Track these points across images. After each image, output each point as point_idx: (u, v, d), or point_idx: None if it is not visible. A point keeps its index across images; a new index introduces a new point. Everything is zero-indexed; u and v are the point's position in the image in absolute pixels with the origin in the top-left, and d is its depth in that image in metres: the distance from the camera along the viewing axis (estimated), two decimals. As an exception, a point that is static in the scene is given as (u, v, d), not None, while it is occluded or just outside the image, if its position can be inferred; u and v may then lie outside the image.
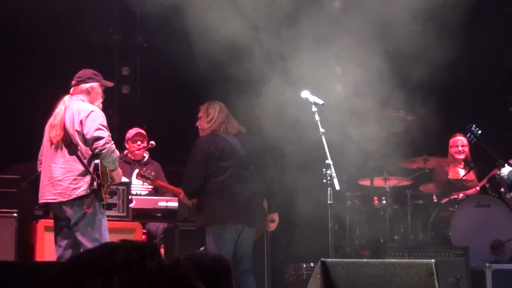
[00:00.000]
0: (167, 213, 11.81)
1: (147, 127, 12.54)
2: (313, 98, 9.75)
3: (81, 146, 9.08)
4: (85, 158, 9.10)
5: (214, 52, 10.95)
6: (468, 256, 11.49)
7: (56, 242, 9.39)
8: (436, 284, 7.25)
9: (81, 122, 9.03)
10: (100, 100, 9.47)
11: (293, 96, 10.20)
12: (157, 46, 12.74)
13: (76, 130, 9.07)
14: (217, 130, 10.07)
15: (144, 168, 11.86)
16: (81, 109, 9.11)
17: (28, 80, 12.41)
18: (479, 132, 11.16)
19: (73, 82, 9.45)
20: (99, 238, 9.10)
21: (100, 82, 9.50)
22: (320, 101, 9.76)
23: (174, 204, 11.71)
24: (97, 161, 9.02)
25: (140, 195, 11.88)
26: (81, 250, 9.10)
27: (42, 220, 10.72)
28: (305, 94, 9.82)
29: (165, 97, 13.60)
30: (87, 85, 9.41)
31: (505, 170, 11.00)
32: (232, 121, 10.19)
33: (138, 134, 11.89)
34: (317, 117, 9.63)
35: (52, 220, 10.02)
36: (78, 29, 13.11)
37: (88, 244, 9.02)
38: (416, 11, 11.30)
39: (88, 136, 8.99)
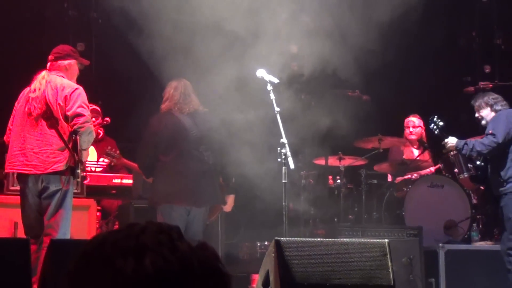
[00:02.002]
0: (122, 190, 11.78)
1: (102, 103, 12.50)
2: (268, 77, 9.76)
3: (62, 121, 9.15)
4: (64, 134, 9.15)
5: (171, 30, 10.96)
6: (422, 236, 11.54)
7: (23, 213, 9.36)
8: (389, 263, 7.29)
9: (65, 97, 9.12)
10: (75, 77, 9.52)
11: (250, 75, 10.23)
12: (113, 22, 12.72)
13: (59, 104, 9.14)
14: (171, 109, 10.17)
15: (109, 147, 11.86)
16: (65, 85, 9.21)
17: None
18: (441, 123, 11.21)
19: (50, 57, 9.50)
20: (63, 218, 9.14)
21: (77, 60, 9.60)
22: (276, 80, 9.77)
23: (128, 181, 11.71)
24: (76, 138, 9.08)
25: (94, 171, 11.80)
26: (46, 222, 9.18)
27: (-1, 193, 10.64)
28: (261, 72, 9.81)
29: (120, 73, 13.56)
30: (65, 62, 9.48)
31: (452, 140, 11.03)
32: (189, 100, 10.25)
33: (93, 110, 11.86)
34: (272, 96, 9.64)
35: (6, 196, 10.07)
36: (33, 3, 13.09)
37: (55, 218, 9.10)
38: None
39: (69, 113, 9.08)
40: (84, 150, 9.25)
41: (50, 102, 9.16)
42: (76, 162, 9.10)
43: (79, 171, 9.16)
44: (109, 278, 1.84)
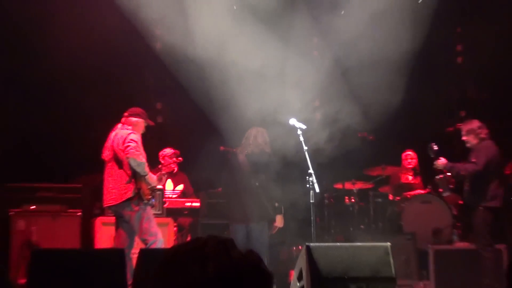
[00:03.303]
0: (192, 211, 11.89)
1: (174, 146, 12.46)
2: (298, 124, 9.85)
3: (125, 161, 9.20)
4: (129, 170, 9.22)
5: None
6: (415, 240, 11.65)
7: (117, 233, 9.49)
8: (391, 261, 7.30)
9: (123, 141, 9.20)
10: (141, 132, 9.56)
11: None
12: (183, 85, 12.71)
13: (120, 147, 9.23)
14: (236, 150, 10.40)
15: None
16: (124, 134, 9.29)
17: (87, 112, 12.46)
18: (436, 148, 11.16)
19: (125, 113, 9.59)
20: (148, 227, 9.25)
21: (145, 120, 9.65)
22: (303, 126, 9.86)
23: (196, 204, 11.84)
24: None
25: (171, 198, 11.90)
26: (135, 237, 9.37)
27: (99, 217, 10.82)
28: (293, 121, 9.89)
29: (187, 125, 13.51)
30: (134, 119, 9.55)
31: (443, 161, 11.01)
32: (248, 144, 10.27)
33: (173, 153, 11.71)
34: (301, 138, 9.71)
35: (106, 217, 10.24)
36: (124, 76, 13.13)
37: (140, 234, 9.25)
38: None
39: (123, 146, 9.18)
40: (144, 175, 9.23)
41: (115, 149, 9.30)
42: (139, 189, 9.21)
43: (143, 194, 9.23)
44: (182, 280, 1.91)
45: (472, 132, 10.91)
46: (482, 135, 10.86)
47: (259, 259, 2.01)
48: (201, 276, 1.89)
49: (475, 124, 10.96)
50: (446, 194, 11.82)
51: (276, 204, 10.10)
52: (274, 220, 10.20)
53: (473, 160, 10.75)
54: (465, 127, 11.05)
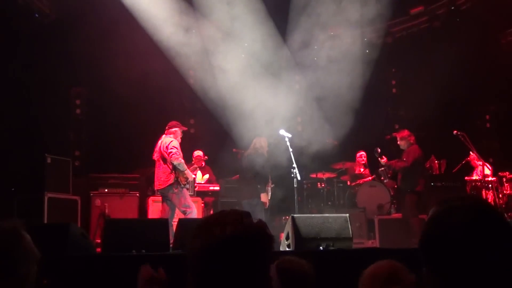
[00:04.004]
0: (214, 193, 11.79)
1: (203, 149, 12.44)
2: (286, 134, 9.76)
3: (168, 160, 9.13)
4: (170, 165, 9.14)
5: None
6: (366, 212, 11.53)
7: (163, 208, 9.42)
8: (349, 227, 7.16)
9: (167, 147, 9.12)
10: (179, 137, 9.43)
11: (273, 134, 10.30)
12: (208, 107, 12.72)
13: (165, 151, 9.15)
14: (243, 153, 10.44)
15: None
16: (167, 141, 9.20)
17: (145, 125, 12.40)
18: (379, 151, 11.15)
19: (167, 127, 9.46)
20: (185, 203, 9.16)
21: (180, 128, 9.51)
22: (289, 135, 9.77)
23: (217, 188, 11.76)
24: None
25: (200, 183, 11.82)
26: (175, 211, 9.28)
27: (151, 197, 10.69)
28: (282, 131, 9.81)
29: (215, 132, 13.52)
30: (172, 129, 9.43)
31: (384, 160, 11.03)
32: (250, 148, 10.17)
33: (198, 156, 11.72)
34: (288, 143, 9.63)
35: (156, 197, 10.13)
36: (163, 100, 13.14)
37: (180, 207, 9.17)
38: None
39: (167, 151, 9.09)
40: (182, 171, 9.14)
41: (162, 151, 9.21)
42: (177, 177, 9.13)
43: (180, 181, 9.14)
44: (208, 238, 1.88)
45: (404, 139, 10.84)
46: (411, 141, 10.80)
47: (264, 225, 1.96)
48: (221, 236, 1.87)
49: (405, 133, 10.91)
50: (386, 181, 11.83)
51: (259, 186, 9.98)
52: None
53: (404, 158, 10.74)
54: (398, 135, 10.99)
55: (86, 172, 11.71)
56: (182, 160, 9.19)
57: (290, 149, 9.54)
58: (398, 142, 10.95)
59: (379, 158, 11.08)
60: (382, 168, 11.53)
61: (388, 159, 11.16)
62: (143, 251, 6.07)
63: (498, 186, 11.36)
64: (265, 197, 10.10)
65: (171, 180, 9.15)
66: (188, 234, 6.48)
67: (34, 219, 9.04)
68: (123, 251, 6.00)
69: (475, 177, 11.80)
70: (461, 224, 1.66)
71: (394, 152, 11.67)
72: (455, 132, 10.88)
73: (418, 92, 13.61)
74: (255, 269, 1.90)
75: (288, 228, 7.20)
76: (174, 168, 9.15)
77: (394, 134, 11.53)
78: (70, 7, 11.73)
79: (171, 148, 9.08)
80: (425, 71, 13.20)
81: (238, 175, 11.36)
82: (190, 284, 1.93)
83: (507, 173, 11.52)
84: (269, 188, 10.29)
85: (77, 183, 10.59)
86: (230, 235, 1.87)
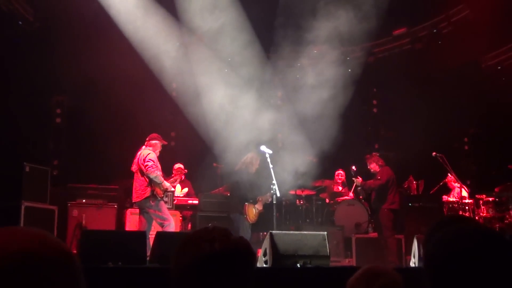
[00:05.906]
0: (192, 206, 11.73)
1: (183, 162, 12.39)
2: (267, 150, 9.78)
3: (145, 172, 9.11)
4: (147, 178, 9.12)
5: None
6: (344, 230, 11.53)
7: (140, 220, 9.37)
8: (327, 244, 7.22)
9: (144, 159, 9.10)
10: (158, 150, 9.41)
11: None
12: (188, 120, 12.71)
13: (142, 164, 9.13)
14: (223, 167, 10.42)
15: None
16: (145, 154, 9.18)
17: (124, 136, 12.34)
18: (355, 169, 11.34)
19: (147, 138, 9.43)
20: (162, 215, 9.11)
21: (160, 141, 9.49)
22: (270, 151, 9.80)
23: (195, 202, 11.66)
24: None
25: (179, 197, 11.77)
26: (152, 223, 9.24)
27: (129, 209, 10.62)
28: (263, 148, 9.83)
29: (194, 146, 13.51)
30: (153, 142, 9.39)
31: (359, 180, 11.24)
32: (240, 163, 10.20)
33: (178, 169, 11.66)
34: (268, 159, 9.65)
35: (133, 209, 10.08)
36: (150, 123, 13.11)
37: (157, 219, 9.12)
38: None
39: (143, 164, 9.07)
40: (159, 183, 9.11)
41: (139, 163, 9.18)
42: (152, 191, 9.09)
43: (157, 194, 9.09)
44: (196, 253, 1.90)
45: (374, 162, 11.14)
46: (381, 163, 11.03)
47: (248, 242, 2.00)
48: (210, 251, 1.90)
49: (375, 157, 11.18)
50: (363, 200, 11.95)
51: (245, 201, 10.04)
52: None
53: (378, 177, 10.89)
54: (369, 160, 11.26)
55: (64, 182, 11.62)
56: (159, 173, 9.16)
57: (271, 166, 9.54)
58: (369, 167, 11.23)
59: (354, 178, 11.24)
60: (359, 188, 11.68)
61: (366, 178, 11.27)
62: (120, 263, 6.05)
63: (475, 208, 11.49)
64: (259, 207, 10.19)
65: (148, 193, 9.12)
66: (165, 248, 6.51)
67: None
68: (99, 263, 5.98)
69: (452, 198, 11.95)
70: (470, 247, 1.70)
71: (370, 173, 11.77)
72: (434, 153, 11.05)
73: (399, 112, 13.78)
74: (243, 284, 1.93)
75: (266, 244, 7.19)
76: (151, 181, 9.13)
77: (367, 156, 11.71)
78: (55, 16, 11.73)
79: (147, 161, 9.06)
80: (406, 92, 13.37)
81: (218, 189, 11.34)
82: None
83: (483, 195, 11.65)
84: (261, 202, 10.28)
85: (55, 192, 10.50)
86: (220, 251, 1.90)
